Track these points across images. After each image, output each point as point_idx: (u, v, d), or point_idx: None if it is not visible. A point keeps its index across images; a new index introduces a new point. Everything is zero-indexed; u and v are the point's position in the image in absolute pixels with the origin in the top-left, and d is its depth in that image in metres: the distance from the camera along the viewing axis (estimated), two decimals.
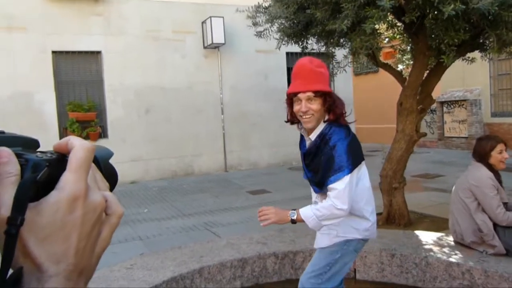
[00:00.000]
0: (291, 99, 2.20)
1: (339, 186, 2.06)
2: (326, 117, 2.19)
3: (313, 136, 2.21)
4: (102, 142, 9.95)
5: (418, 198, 6.91)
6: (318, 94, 2.10)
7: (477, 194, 3.28)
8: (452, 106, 13.35)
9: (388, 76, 5.83)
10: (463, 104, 12.99)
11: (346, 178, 2.06)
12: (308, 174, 2.31)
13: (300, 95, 2.12)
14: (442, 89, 13.04)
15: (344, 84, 12.45)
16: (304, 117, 2.15)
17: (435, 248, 3.38)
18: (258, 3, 5.47)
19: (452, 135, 13.46)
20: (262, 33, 5.39)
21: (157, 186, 9.51)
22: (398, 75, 5.55)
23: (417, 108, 5.28)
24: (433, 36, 5.05)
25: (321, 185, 2.18)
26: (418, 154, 11.77)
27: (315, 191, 2.31)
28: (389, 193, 5.53)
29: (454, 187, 3.64)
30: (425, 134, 5.54)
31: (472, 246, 3.31)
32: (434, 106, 12.67)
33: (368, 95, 16.07)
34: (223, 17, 10.11)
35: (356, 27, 4.44)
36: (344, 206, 2.04)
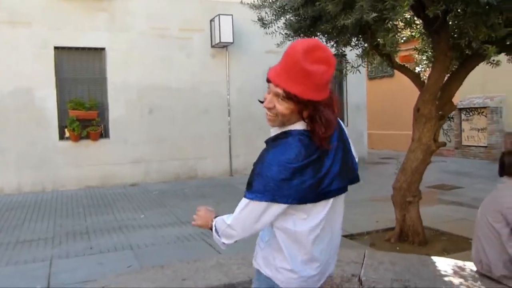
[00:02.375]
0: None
1: (239, 205, 1.61)
2: (301, 124, 1.59)
3: (273, 132, 1.67)
4: (103, 142, 9.60)
5: (433, 212, 6.39)
6: (290, 96, 1.50)
7: (511, 219, 2.76)
8: (471, 113, 12.75)
9: (404, 80, 5.35)
10: (483, 112, 12.38)
11: (246, 203, 1.57)
12: None
13: (270, 86, 1.55)
14: (461, 95, 12.44)
15: (357, 88, 11.97)
16: (266, 112, 1.60)
17: (456, 280, 2.88)
18: None
19: (471, 143, 12.83)
20: (268, 26, 4.93)
21: (158, 189, 9.10)
22: (415, 78, 5.05)
23: (436, 115, 4.78)
24: (455, 35, 4.57)
25: None
26: (433, 163, 11.14)
27: None
28: (402, 207, 5.04)
29: (480, 208, 3.11)
30: (444, 144, 5.04)
31: (502, 281, 2.79)
32: (452, 112, 12.08)
33: (382, 99, 15.52)
34: (232, 15, 9.69)
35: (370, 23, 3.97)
36: (235, 226, 1.64)
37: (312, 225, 1.60)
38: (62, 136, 9.31)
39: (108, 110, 9.66)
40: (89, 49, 9.50)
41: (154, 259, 4.81)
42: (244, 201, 1.58)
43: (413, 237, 5.00)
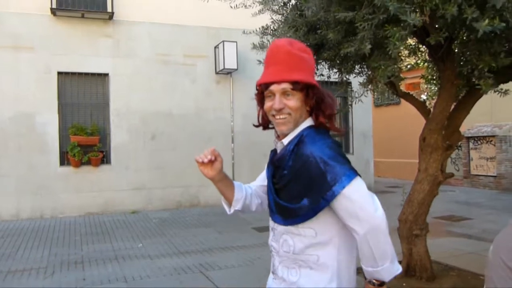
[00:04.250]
0: (262, 93, 1.58)
1: (356, 190, 1.44)
2: (309, 121, 1.58)
3: (286, 140, 1.57)
4: (104, 168, 9.47)
5: (441, 245, 6.14)
6: (298, 86, 1.50)
7: None
8: (479, 142, 12.53)
9: (410, 108, 5.20)
10: (491, 140, 12.16)
11: (358, 181, 1.45)
12: (274, 197, 1.60)
13: (273, 87, 1.51)
14: (468, 124, 12.26)
15: (363, 115, 11.82)
16: (278, 117, 1.53)
17: None
18: (266, 24, 4.97)
19: (479, 173, 12.56)
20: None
21: (158, 217, 8.90)
22: (421, 106, 4.90)
23: (443, 145, 4.61)
24: (461, 63, 4.44)
25: (293, 214, 1.50)
26: (441, 192, 10.89)
27: (279, 222, 1.58)
28: (409, 241, 4.81)
29: (492, 247, 2.88)
30: (452, 175, 4.85)
31: None
32: (460, 141, 11.91)
33: (389, 127, 15.37)
34: (236, 42, 9.68)
35: (373, 50, 3.85)
36: (379, 211, 1.43)
37: None
38: (62, 162, 9.20)
39: (110, 136, 9.58)
40: (93, 74, 9.49)
41: None
42: (355, 182, 1.42)
43: (420, 273, 4.75)
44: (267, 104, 1.55)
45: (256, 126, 1.71)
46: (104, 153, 9.53)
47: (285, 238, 1.56)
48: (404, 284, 4.63)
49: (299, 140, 1.52)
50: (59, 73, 9.19)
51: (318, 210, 1.45)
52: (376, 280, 1.50)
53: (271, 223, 1.66)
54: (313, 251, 1.50)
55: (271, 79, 1.50)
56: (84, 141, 9.10)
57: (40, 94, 8.98)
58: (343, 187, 1.40)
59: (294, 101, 1.50)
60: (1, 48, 8.76)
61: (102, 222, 8.51)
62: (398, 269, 1.51)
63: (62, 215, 9.06)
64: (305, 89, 1.51)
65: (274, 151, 1.69)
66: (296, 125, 1.54)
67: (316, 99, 1.53)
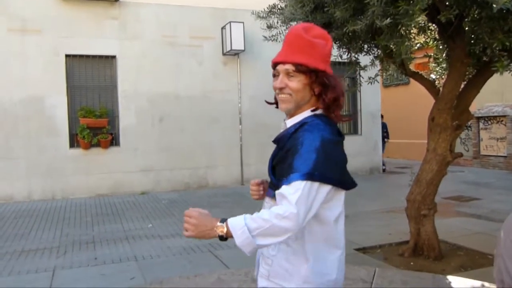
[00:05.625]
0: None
1: (288, 191, 1.40)
2: (313, 109, 1.59)
3: (290, 122, 1.61)
4: (113, 150, 9.55)
5: (450, 225, 6.14)
6: (301, 69, 1.53)
7: None
8: (489, 122, 12.41)
9: (420, 88, 5.16)
10: (502, 120, 12.03)
11: (300, 184, 1.39)
12: (269, 173, 1.66)
13: (279, 67, 1.58)
14: (479, 104, 12.12)
15: (372, 96, 11.74)
16: (280, 95, 1.60)
17: None
18: (274, 4, 4.92)
19: (489, 153, 12.48)
20: (275, 37, 4.82)
21: (168, 198, 9.00)
22: (430, 86, 4.85)
23: (452, 124, 4.57)
24: (472, 41, 4.37)
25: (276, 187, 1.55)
26: (450, 173, 10.87)
27: (269, 195, 1.67)
28: (417, 221, 4.83)
29: (503, 225, 2.89)
30: (461, 155, 4.82)
31: None
32: (469, 121, 11.80)
33: (397, 108, 15.24)
34: (243, 23, 9.59)
35: (383, 28, 3.80)
36: (293, 210, 1.36)
37: (337, 217, 1.58)
38: (72, 144, 9.29)
39: (119, 118, 9.63)
40: (100, 57, 9.49)
41: (157, 272, 4.69)
42: (298, 183, 1.39)
43: (428, 252, 4.78)
44: (273, 82, 1.61)
45: (270, 103, 1.75)
46: (113, 135, 9.60)
47: None
48: (411, 263, 4.66)
49: (300, 126, 1.55)
50: (67, 56, 9.20)
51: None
52: (227, 235, 1.43)
53: (266, 198, 1.71)
54: None
55: (277, 59, 1.59)
56: (93, 124, 9.17)
57: (49, 77, 9.01)
58: (296, 179, 1.40)
59: (295, 83, 1.55)
60: (9, 32, 8.77)
61: (112, 203, 8.62)
62: (250, 245, 1.41)
63: (72, 196, 9.19)
64: (310, 72, 1.54)
65: None
66: (297, 106, 1.59)
67: (321, 84, 1.55)
